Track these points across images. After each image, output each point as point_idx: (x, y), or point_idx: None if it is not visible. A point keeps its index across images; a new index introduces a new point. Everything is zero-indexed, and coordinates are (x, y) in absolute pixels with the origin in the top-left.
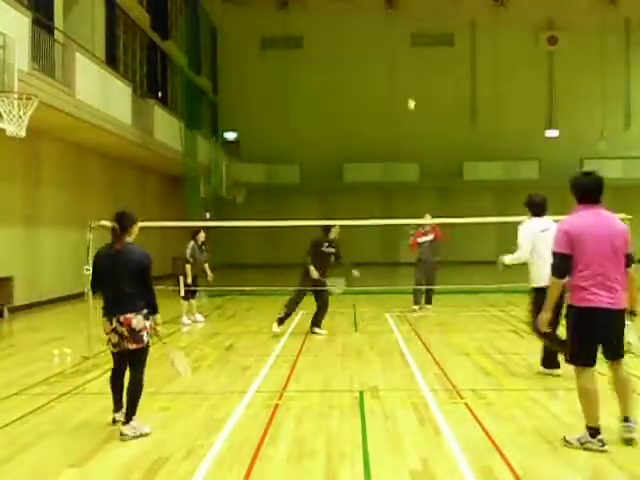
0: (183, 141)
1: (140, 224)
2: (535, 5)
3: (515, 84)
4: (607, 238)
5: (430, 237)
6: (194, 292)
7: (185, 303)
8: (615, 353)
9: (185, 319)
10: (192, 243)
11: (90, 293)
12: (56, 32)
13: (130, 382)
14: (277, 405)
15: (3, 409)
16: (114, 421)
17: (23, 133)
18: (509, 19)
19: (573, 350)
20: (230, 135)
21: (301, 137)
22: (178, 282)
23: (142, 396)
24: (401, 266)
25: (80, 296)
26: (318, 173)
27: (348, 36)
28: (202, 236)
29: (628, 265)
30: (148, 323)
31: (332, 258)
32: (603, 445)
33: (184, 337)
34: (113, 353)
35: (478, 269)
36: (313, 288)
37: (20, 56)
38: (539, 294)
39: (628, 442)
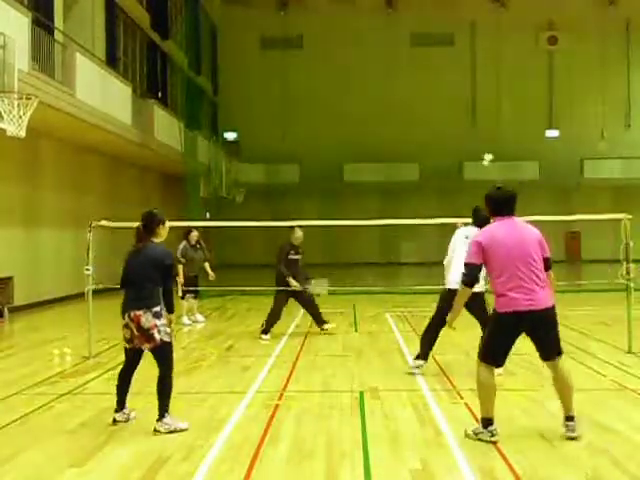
0: (183, 141)
1: (139, 224)
2: (535, 5)
3: (515, 84)
4: (519, 244)
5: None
6: (193, 292)
7: (184, 303)
8: (548, 353)
9: (185, 319)
10: (184, 243)
11: (90, 294)
12: (56, 32)
13: (158, 379)
14: (277, 405)
15: (3, 409)
16: (114, 421)
17: (23, 133)
18: (509, 19)
19: (488, 350)
20: (230, 135)
21: (301, 137)
22: (175, 283)
23: (142, 396)
24: (401, 266)
25: (80, 296)
26: (318, 173)
27: (348, 36)
28: (194, 235)
29: (548, 268)
30: (159, 322)
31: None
32: (493, 436)
33: (184, 337)
34: (126, 349)
35: None
36: (278, 288)
37: (20, 56)
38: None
39: (571, 440)
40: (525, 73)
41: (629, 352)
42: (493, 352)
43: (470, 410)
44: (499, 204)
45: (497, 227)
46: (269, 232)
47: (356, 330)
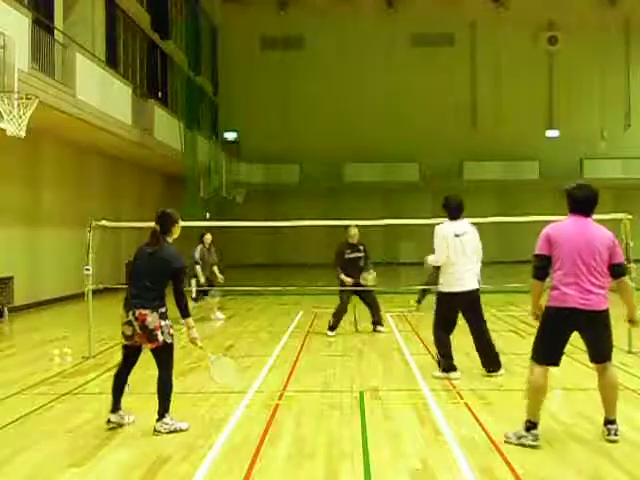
0: (183, 141)
1: (140, 224)
2: (535, 5)
3: (515, 84)
4: (586, 244)
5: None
6: (206, 292)
7: (194, 304)
8: (597, 355)
9: (219, 314)
10: (200, 246)
11: (90, 294)
12: (56, 32)
13: (159, 380)
14: (277, 405)
15: (3, 409)
16: (109, 421)
17: (23, 133)
18: (509, 19)
19: (540, 347)
20: (230, 135)
21: (301, 137)
22: (190, 284)
23: (142, 396)
24: (401, 266)
25: (80, 296)
26: (318, 173)
27: (348, 36)
28: (208, 238)
29: (617, 275)
30: (164, 323)
31: (361, 261)
32: (535, 439)
33: (184, 336)
34: (124, 346)
35: None
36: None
37: (20, 56)
38: (441, 298)
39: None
40: (525, 73)
41: (629, 352)
42: (545, 349)
43: (470, 410)
44: (577, 202)
45: (569, 223)
46: (269, 232)
47: (356, 330)
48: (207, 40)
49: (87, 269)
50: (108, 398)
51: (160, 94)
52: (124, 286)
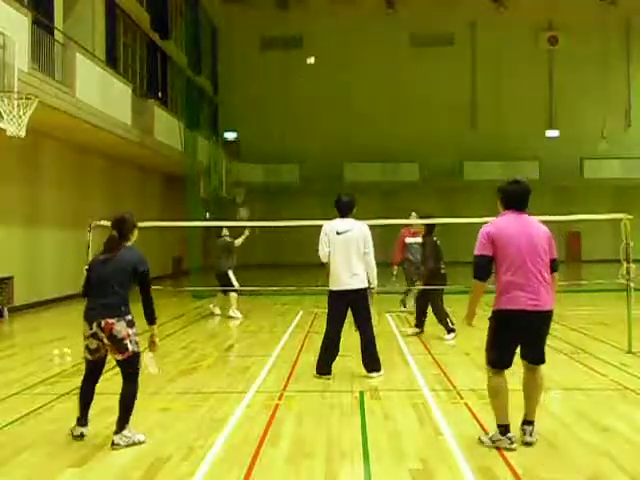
0: (183, 141)
1: (140, 224)
2: (535, 5)
3: (515, 84)
4: (529, 241)
5: (420, 239)
6: (223, 290)
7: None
8: (535, 356)
9: (234, 312)
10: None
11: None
12: (56, 32)
13: (124, 392)
14: (277, 405)
15: (3, 409)
16: (82, 436)
17: (23, 133)
18: (509, 19)
19: (492, 351)
20: (230, 135)
21: (301, 137)
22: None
23: (142, 396)
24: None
25: (80, 296)
26: (318, 173)
27: (348, 36)
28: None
29: (554, 270)
30: (132, 331)
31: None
32: (512, 443)
33: (184, 336)
34: (88, 361)
35: None
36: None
37: (20, 56)
38: (330, 296)
39: (528, 445)
40: (525, 73)
41: (629, 352)
42: (497, 354)
43: (470, 410)
44: (512, 198)
45: (507, 220)
46: (269, 232)
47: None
48: (207, 40)
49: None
50: (109, 398)
51: (160, 94)
52: None
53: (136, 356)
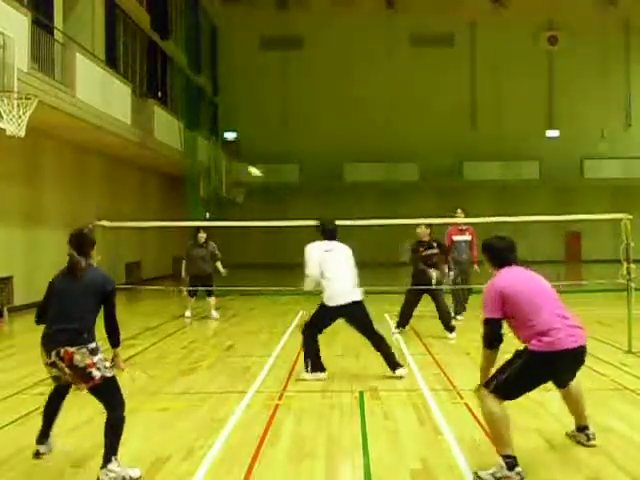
0: (183, 141)
1: (140, 224)
2: (535, 5)
3: (515, 84)
4: (540, 284)
5: (467, 237)
6: (194, 291)
7: (190, 299)
8: (567, 382)
9: (187, 313)
10: (190, 242)
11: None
12: (56, 32)
13: (109, 421)
14: (277, 405)
15: (3, 409)
16: (37, 454)
17: (23, 133)
18: (509, 19)
19: (510, 386)
20: (230, 135)
21: (301, 137)
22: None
23: (142, 396)
24: (401, 266)
25: None
26: (318, 173)
27: (348, 36)
28: (201, 236)
29: None
30: (97, 357)
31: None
32: (523, 478)
33: (184, 336)
34: (53, 379)
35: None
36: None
37: (20, 56)
38: (325, 311)
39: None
40: (525, 73)
41: (629, 352)
42: (515, 390)
43: (470, 410)
44: (505, 251)
45: (510, 273)
46: (269, 232)
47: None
48: (207, 40)
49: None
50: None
51: (160, 94)
52: (124, 286)
53: (108, 381)
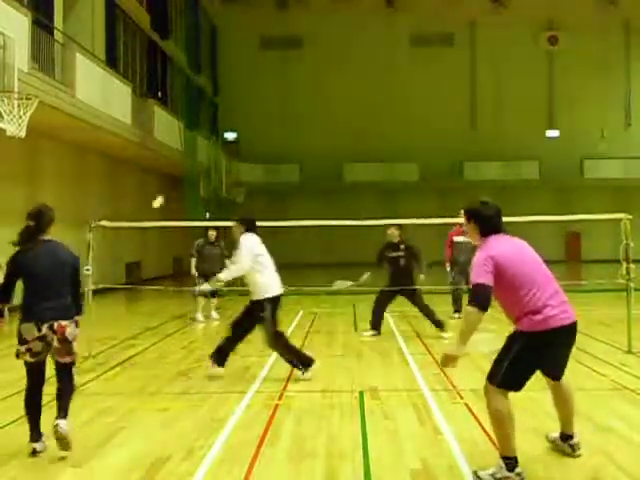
0: (183, 141)
1: (140, 224)
2: (535, 5)
3: (515, 84)
4: (533, 254)
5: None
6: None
7: (200, 300)
8: (562, 371)
9: (199, 316)
10: (200, 240)
11: (90, 294)
12: (56, 32)
13: (63, 389)
14: (277, 405)
15: (3, 409)
16: (34, 452)
17: (23, 133)
18: (509, 19)
19: (512, 375)
20: (230, 135)
21: (301, 137)
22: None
23: (142, 396)
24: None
25: None
26: (318, 173)
27: (348, 36)
28: (212, 234)
29: None
30: (78, 331)
31: (401, 261)
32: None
33: (184, 336)
34: (30, 364)
35: None
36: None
37: (20, 56)
38: (269, 305)
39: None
40: (525, 73)
41: (629, 352)
42: (521, 377)
43: (470, 410)
44: (495, 218)
45: (501, 241)
46: (268, 232)
47: (356, 330)
48: (207, 40)
49: (87, 269)
50: (108, 398)
51: (160, 94)
52: (124, 286)
53: (76, 357)
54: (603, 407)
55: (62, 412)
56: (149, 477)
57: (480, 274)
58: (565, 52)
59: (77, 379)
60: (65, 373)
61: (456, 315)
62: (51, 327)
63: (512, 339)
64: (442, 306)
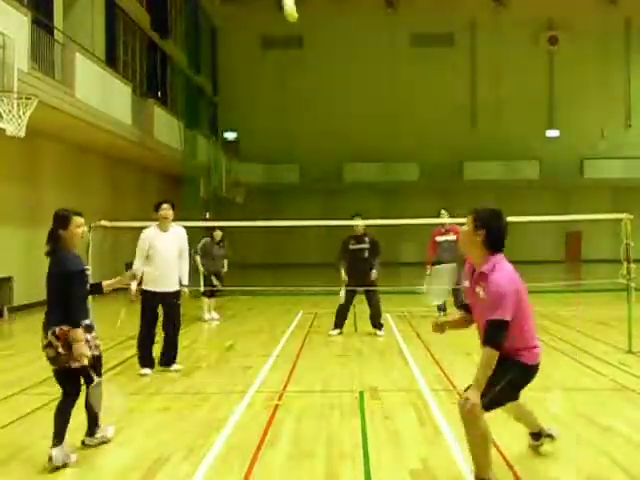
0: (183, 141)
1: (140, 224)
2: (535, 5)
3: (515, 84)
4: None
5: (451, 237)
6: (210, 290)
7: (205, 300)
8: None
9: (207, 315)
10: (207, 239)
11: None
12: (56, 32)
13: (86, 399)
14: (277, 405)
15: (3, 409)
16: (51, 459)
17: (23, 133)
18: (509, 19)
19: (499, 399)
20: (230, 135)
21: (301, 137)
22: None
23: (142, 396)
24: (401, 266)
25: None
26: (318, 173)
27: (348, 36)
28: (218, 234)
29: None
30: (90, 336)
31: (364, 254)
32: None
33: (184, 337)
34: (55, 372)
35: None
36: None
37: (20, 56)
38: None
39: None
40: (525, 73)
41: (629, 352)
42: (502, 402)
43: None
44: (505, 232)
45: (510, 266)
46: (268, 232)
47: (356, 330)
48: (207, 40)
49: (87, 269)
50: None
51: (160, 94)
52: (124, 286)
53: (98, 360)
54: (603, 407)
55: (89, 429)
56: (149, 477)
57: (507, 309)
58: (565, 52)
59: (81, 379)
60: (84, 381)
61: (441, 314)
62: (53, 333)
63: (507, 367)
64: (418, 306)
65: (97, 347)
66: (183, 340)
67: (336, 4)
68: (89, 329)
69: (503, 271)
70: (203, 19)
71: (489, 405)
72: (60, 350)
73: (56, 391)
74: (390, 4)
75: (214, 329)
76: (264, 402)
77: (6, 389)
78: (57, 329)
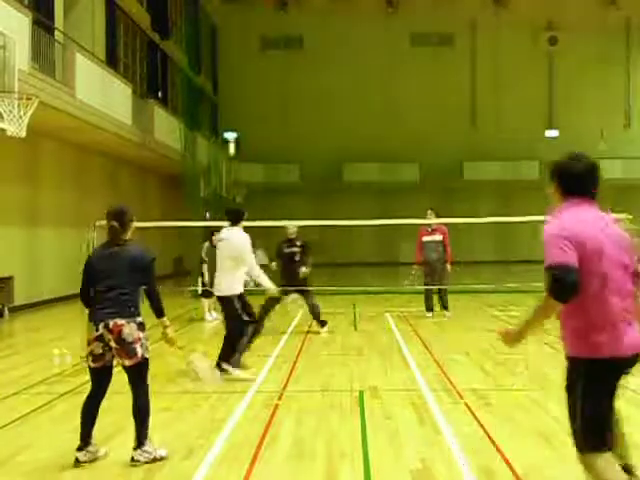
0: (183, 141)
1: (140, 224)
2: (535, 5)
3: (515, 84)
4: (614, 245)
5: (437, 237)
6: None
7: (205, 301)
8: None
9: (208, 315)
10: (207, 244)
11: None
12: (56, 32)
13: (137, 404)
14: (277, 405)
15: (3, 409)
16: (77, 462)
17: (23, 133)
18: (509, 19)
19: (590, 424)
20: (230, 135)
21: (301, 137)
22: (198, 282)
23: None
24: (401, 266)
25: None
26: (318, 173)
27: (348, 36)
28: (216, 238)
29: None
30: (143, 334)
31: (296, 257)
32: None
33: (185, 336)
34: (91, 369)
35: (478, 269)
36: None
37: (20, 56)
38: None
39: None
40: (525, 73)
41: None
42: (598, 425)
43: (470, 410)
44: (579, 179)
45: (580, 213)
46: (268, 232)
47: (356, 330)
48: (207, 40)
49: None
50: (108, 397)
51: (160, 94)
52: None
53: (145, 362)
54: None
55: (137, 438)
56: (149, 477)
57: (560, 253)
58: (565, 52)
59: (79, 379)
60: (132, 382)
61: (429, 314)
62: (107, 326)
63: (572, 373)
64: (417, 306)
65: (147, 348)
66: (183, 340)
67: (336, 4)
68: (142, 327)
69: (556, 219)
70: (203, 19)
71: (582, 441)
72: (144, 342)
73: (56, 391)
74: (390, 4)
75: (214, 329)
76: (264, 402)
77: (6, 389)
78: (112, 322)
